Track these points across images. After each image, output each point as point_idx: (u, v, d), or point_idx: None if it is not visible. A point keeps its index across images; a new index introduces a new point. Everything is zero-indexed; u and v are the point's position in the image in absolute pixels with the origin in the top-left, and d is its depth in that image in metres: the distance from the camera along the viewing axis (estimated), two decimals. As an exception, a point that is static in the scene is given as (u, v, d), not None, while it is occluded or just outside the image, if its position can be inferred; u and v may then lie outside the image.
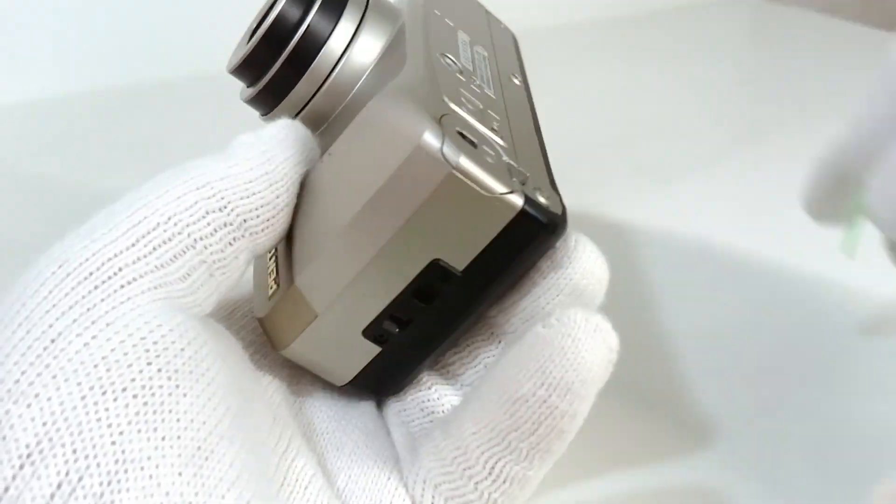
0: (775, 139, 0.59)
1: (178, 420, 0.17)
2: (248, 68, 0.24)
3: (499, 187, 0.19)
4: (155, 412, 0.17)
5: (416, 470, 0.21)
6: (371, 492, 0.21)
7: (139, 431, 0.17)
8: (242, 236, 0.20)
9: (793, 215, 0.32)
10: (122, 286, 0.18)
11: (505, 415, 0.20)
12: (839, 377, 0.37)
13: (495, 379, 0.20)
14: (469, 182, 0.19)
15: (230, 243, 0.20)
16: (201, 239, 0.19)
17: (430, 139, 0.18)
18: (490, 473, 0.20)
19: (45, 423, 0.16)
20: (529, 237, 0.20)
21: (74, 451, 0.16)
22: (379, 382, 0.22)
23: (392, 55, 0.23)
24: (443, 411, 0.22)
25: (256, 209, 0.20)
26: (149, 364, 0.17)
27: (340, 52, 0.23)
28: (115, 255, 0.18)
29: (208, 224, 0.19)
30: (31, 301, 0.18)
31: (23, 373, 0.17)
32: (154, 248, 0.19)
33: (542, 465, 0.20)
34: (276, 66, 0.23)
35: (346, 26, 0.23)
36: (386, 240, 0.19)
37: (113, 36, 0.59)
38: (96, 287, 0.18)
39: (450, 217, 0.19)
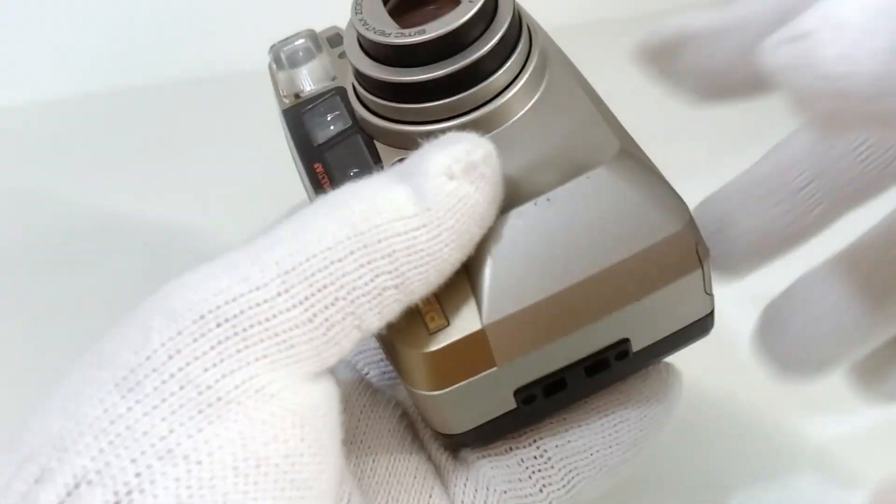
0: (776, 139, 0.58)
1: (316, 497, 0.16)
2: (414, 56, 0.20)
3: (711, 287, 0.20)
4: (299, 489, 0.16)
5: (472, 476, 0.21)
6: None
7: None
8: (396, 287, 0.17)
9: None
10: (286, 349, 0.16)
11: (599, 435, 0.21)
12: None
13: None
14: (704, 279, 0.19)
15: (381, 293, 0.17)
16: (354, 290, 0.17)
17: (690, 230, 0.19)
18: (565, 486, 0.21)
19: (189, 487, 0.15)
20: (700, 332, 0.21)
21: None
22: (486, 436, 0.21)
23: (549, 97, 0.21)
24: None
25: (422, 266, 0.17)
26: (301, 440, 0.16)
27: (509, 82, 0.21)
28: (282, 312, 0.16)
29: (367, 273, 0.17)
30: (188, 350, 0.16)
31: (171, 431, 0.15)
32: (305, 298, 0.17)
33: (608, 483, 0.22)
34: (452, 68, 0.20)
35: (518, 60, 0.21)
36: (607, 312, 0.19)
37: (112, 38, 0.59)
38: (265, 356, 0.16)
39: (667, 304, 0.19)
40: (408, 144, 0.20)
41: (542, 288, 0.18)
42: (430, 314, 0.18)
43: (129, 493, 0.15)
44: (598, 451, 0.21)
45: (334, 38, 0.25)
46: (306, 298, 0.17)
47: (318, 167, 0.22)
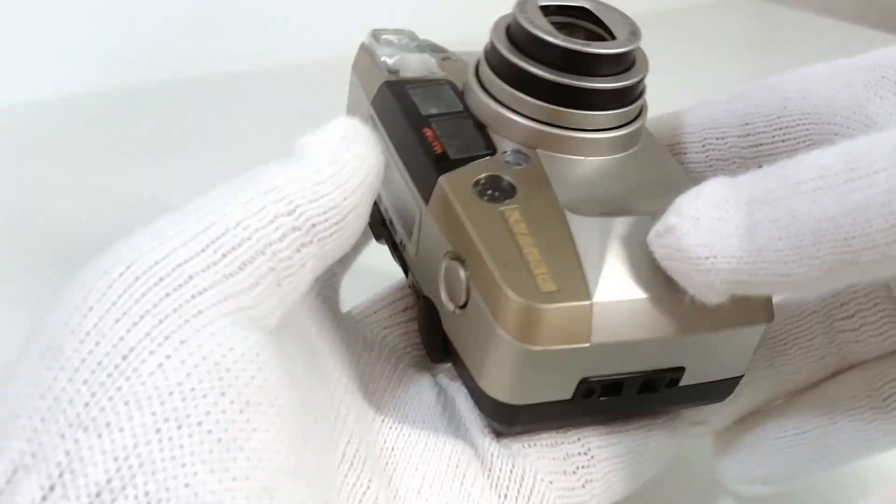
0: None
1: (247, 458, 0.16)
2: (584, 64, 0.23)
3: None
4: (228, 450, 0.16)
5: (519, 463, 0.22)
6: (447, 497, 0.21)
7: (212, 472, 0.15)
8: (311, 242, 0.19)
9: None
10: (194, 296, 0.17)
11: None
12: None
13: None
14: (758, 340, 0.22)
15: (298, 249, 0.19)
16: (270, 244, 0.18)
17: None
18: (605, 485, 0.23)
19: (116, 459, 0.15)
20: (723, 394, 0.24)
21: (147, 494, 0.15)
22: (535, 418, 0.22)
23: (647, 147, 0.25)
24: None
25: (325, 212, 0.19)
26: (223, 395, 0.16)
27: (635, 117, 0.24)
28: (186, 261, 0.17)
29: (277, 228, 0.19)
30: (98, 306, 0.16)
31: (93, 395, 0.15)
32: (223, 255, 0.18)
33: None
34: (617, 84, 0.23)
35: (641, 103, 0.25)
36: (685, 332, 0.21)
37: (113, 37, 0.59)
38: (167, 295, 0.16)
39: (728, 347, 0.22)
40: (529, 141, 0.23)
41: (647, 288, 0.20)
42: (541, 276, 0.20)
43: (61, 475, 0.15)
44: (633, 456, 0.23)
45: (428, 45, 0.28)
46: (225, 255, 0.18)
47: (429, 132, 0.23)
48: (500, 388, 0.21)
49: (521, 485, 0.22)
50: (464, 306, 0.21)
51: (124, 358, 0.15)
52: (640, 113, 0.25)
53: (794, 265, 0.18)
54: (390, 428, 0.22)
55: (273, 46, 0.63)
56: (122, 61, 0.60)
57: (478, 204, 0.22)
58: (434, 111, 0.24)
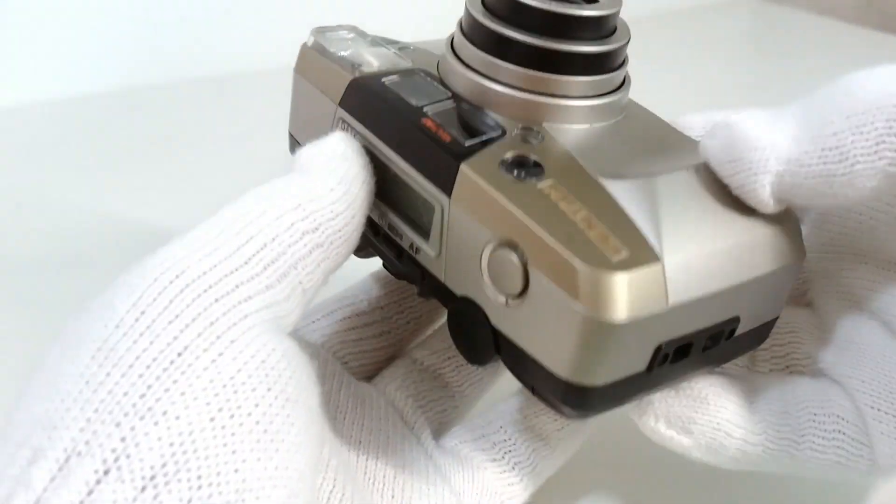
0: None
1: (287, 450, 0.17)
2: (569, 27, 0.22)
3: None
4: (272, 440, 0.17)
5: (461, 462, 0.24)
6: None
7: (259, 460, 0.16)
8: (328, 257, 0.21)
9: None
10: (240, 302, 0.18)
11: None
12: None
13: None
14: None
15: (319, 264, 0.20)
16: (300, 259, 0.20)
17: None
18: (531, 464, 0.25)
19: (171, 444, 0.15)
20: (762, 338, 0.24)
21: (199, 478, 0.15)
22: (610, 398, 0.21)
23: (634, 108, 0.25)
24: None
25: (340, 230, 0.21)
26: (269, 390, 0.17)
27: (621, 84, 0.24)
28: (232, 272, 0.18)
29: (304, 245, 0.20)
30: (151, 309, 0.17)
31: (149, 387, 0.16)
32: (265, 267, 0.19)
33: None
34: (608, 47, 0.23)
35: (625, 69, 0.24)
36: (745, 275, 0.21)
37: (113, 38, 0.59)
38: (216, 300, 0.17)
39: (774, 288, 0.22)
40: (535, 116, 0.23)
41: (706, 240, 0.20)
42: (607, 246, 0.19)
43: (116, 459, 0.15)
44: (549, 434, 0.25)
45: (379, 39, 0.27)
46: (266, 268, 0.19)
47: (429, 122, 0.22)
48: (579, 370, 0.20)
49: (462, 474, 0.24)
50: (521, 294, 0.20)
51: (179, 355, 0.16)
52: (626, 75, 0.25)
53: (841, 166, 0.19)
54: (350, 437, 0.23)
55: (272, 47, 0.63)
56: (122, 62, 0.60)
57: (514, 184, 0.21)
58: (424, 101, 0.23)
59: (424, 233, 0.22)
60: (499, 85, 0.23)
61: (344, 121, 0.24)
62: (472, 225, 0.21)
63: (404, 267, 0.24)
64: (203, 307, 0.17)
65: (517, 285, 0.20)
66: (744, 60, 0.80)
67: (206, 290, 0.17)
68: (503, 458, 0.25)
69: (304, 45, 0.26)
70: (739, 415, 0.23)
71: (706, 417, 0.23)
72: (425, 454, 0.24)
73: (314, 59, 0.25)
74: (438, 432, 0.26)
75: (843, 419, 0.23)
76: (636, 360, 0.20)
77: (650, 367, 0.21)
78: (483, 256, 0.21)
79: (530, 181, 0.21)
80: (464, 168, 0.21)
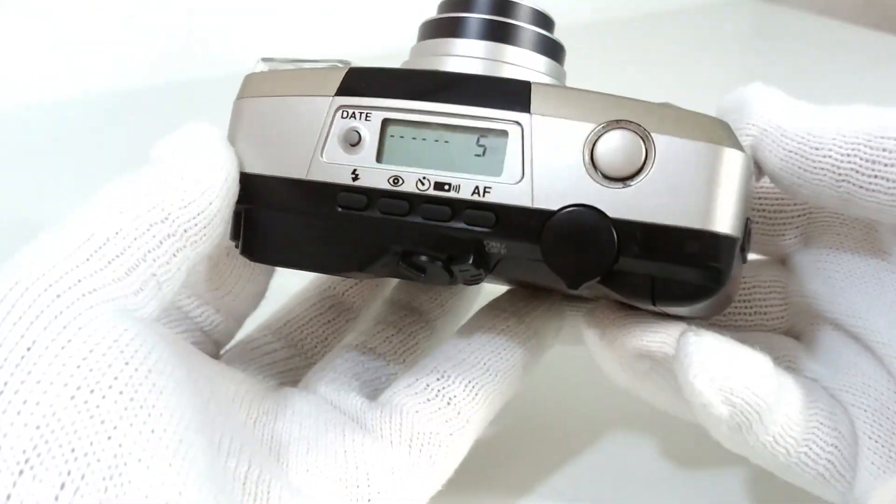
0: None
1: (161, 415, 0.17)
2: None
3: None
4: (141, 407, 0.17)
5: (386, 408, 0.24)
6: (335, 469, 0.22)
7: (131, 426, 0.17)
8: (185, 246, 0.21)
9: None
10: (85, 294, 0.18)
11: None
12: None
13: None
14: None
15: (174, 254, 0.20)
16: (150, 251, 0.20)
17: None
18: (469, 394, 0.25)
19: (38, 427, 0.16)
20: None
21: (73, 451, 0.16)
22: (733, 261, 0.22)
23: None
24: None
25: (193, 217, 0.21)
26: (126, 364, 0.17)
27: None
28: (74, 269, 0.18)
29: (154, 236, 0.20)
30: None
31: (5, 384, 0.16)
32: (109, 262, 0.19)
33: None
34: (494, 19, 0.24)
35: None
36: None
37: (113, 39, 0.59)
38: (59, 296, 0.18)
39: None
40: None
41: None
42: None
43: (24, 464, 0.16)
44: (487, 367, 0.25)
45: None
46: (110, 262, 0.19)
47: (466, 76, 0.23)
48: (721, 215, 0.21)
49: (390, 423, 0.24)
50: (641, 169, 0.21)
51: (28, 349, 0.17)
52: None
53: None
54: (273, 424, 0.23)
55: (272, 47, 0.63)
56: (121, 62, 0.60)
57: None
58: (438, 67, 0.24)
59: (494, 168, 0.22)
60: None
61: (344, 107, 0.23)
62: (565, 126, 0.21)
63: (461, 227, 0.22)
64: (45, 304, 0.17)
65: (637, 161, 0.21)
66: (744, 60, 0.80)
67: (46, 290, 0.18)
68: (437, 396, 0.24)
69: (254, 73, 0.26)
70: (791, 415, 0.23)
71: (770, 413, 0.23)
72: (350, 419, 0.24)
73: (278, 75, 0.25)
74: (374, 395, 0.26)
75: (843, 436, 0.23)
76: (741, 223, 0.21)
77: (742, 246, 0.22)
78: (584, 152, 0.21)
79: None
80: (532, 84, 0.22)
